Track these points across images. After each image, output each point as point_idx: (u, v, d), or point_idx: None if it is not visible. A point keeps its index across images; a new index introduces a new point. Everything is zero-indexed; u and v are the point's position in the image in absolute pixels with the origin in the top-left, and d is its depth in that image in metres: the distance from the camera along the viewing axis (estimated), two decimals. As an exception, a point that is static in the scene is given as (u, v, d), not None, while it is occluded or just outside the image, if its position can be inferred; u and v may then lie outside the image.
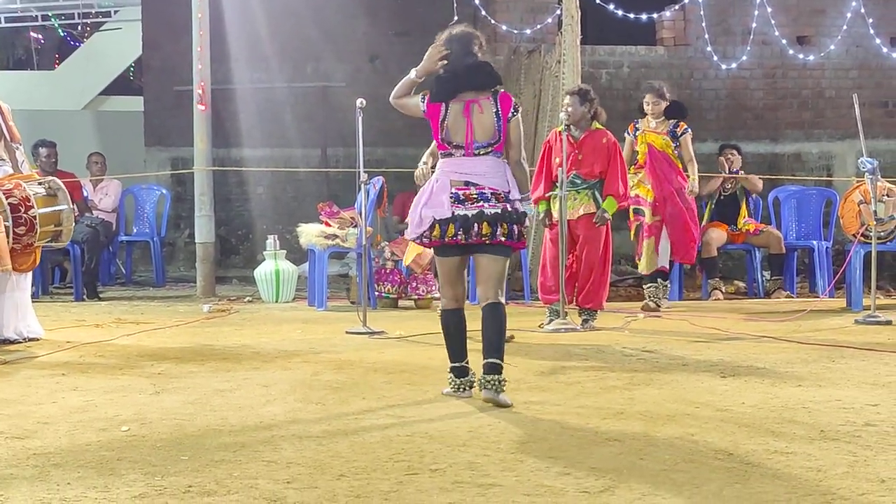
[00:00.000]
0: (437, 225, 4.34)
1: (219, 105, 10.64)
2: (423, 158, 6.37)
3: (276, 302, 8.84)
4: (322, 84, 11.76)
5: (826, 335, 6.48)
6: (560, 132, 6.81)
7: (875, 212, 7.32)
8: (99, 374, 5.04)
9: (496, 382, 4.23)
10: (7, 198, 5.87)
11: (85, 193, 9.95)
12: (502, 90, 4.48)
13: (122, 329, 6.81)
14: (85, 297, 8.97)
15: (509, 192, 4.38)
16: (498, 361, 4.27)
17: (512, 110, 4.41)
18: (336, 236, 8.35)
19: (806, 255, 9.90)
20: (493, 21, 10.96)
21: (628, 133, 8.27)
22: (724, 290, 9.22)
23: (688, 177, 8.16)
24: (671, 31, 11.54)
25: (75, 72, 16.47)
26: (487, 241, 4.32)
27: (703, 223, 9.26)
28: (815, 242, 9.46)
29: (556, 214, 6.80)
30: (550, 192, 6.86)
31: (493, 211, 4.32)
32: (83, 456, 3.38)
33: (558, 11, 9.81)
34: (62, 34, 17.89)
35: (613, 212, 6.89)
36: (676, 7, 11.41)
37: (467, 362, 4.44)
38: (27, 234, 5.93)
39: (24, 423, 3.88)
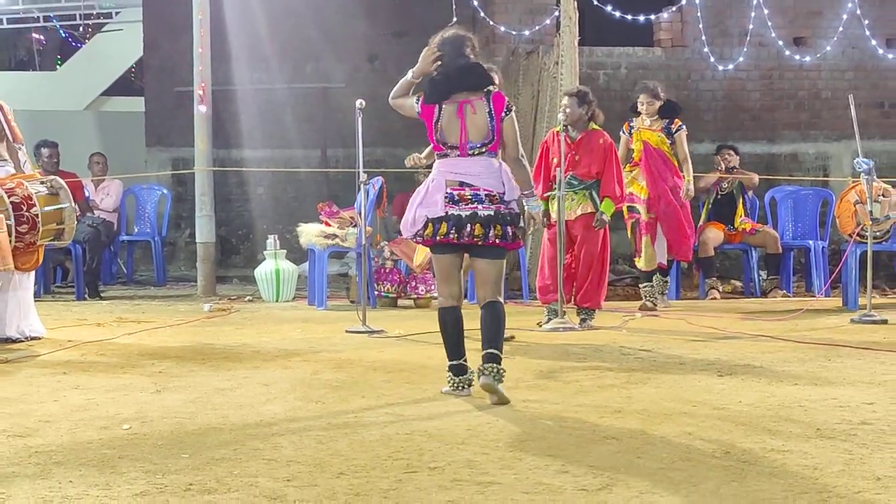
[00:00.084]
0: (430, 223, 4.39)
1: (219, 106, 10.66)
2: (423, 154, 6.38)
3: (277, 301, 8.86)
4: (322, 85, 11.78)
5: (822, 334, 6.50)
6: (557, 132, 6.84)
7: (871, 212, 7.34)
8: (100, 373, 5.06)
9: (495, 371, 4.25)
10: (9, 196, 5.89)
11: (86, 193, 9.97)
12: (495, 90, 4.52)
13: (124, 328, 6.82)
14: (86, 296, 8.99)
15: (504, 194, 4.41)
16: (496, 352, 4.30)
17: (505, 110, 4.44)
18: (336, 236, 8.37)
19: (802, 254, 9.93)
20: (491, 22, 10.98)
21: (623, 132, 8.28)
22: (721, 290, 9.23)
23: (683, 176, 8.19)
24: (668, 32, 11.56)
25: (77, 73, 16.50)
26: (479, 242, 4.35)
27: (700, 223, 9.29)
28: (811, 242, 9.49)
29: (553, 215, 6.83)
30: (548, 193, 6.89)
31: (486, 213, 4.35)
32: (84, 454, 3.39)
33: (556, 13, 9.83)
34: (64, 35, 17.91)
35: (611, 213, 6.92)
36: (674, 8, 11.43)
37: (465, 360, 4.45)
38: (29, 232, 5.94)
39: (25, 422, 3.89)
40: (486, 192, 4.38)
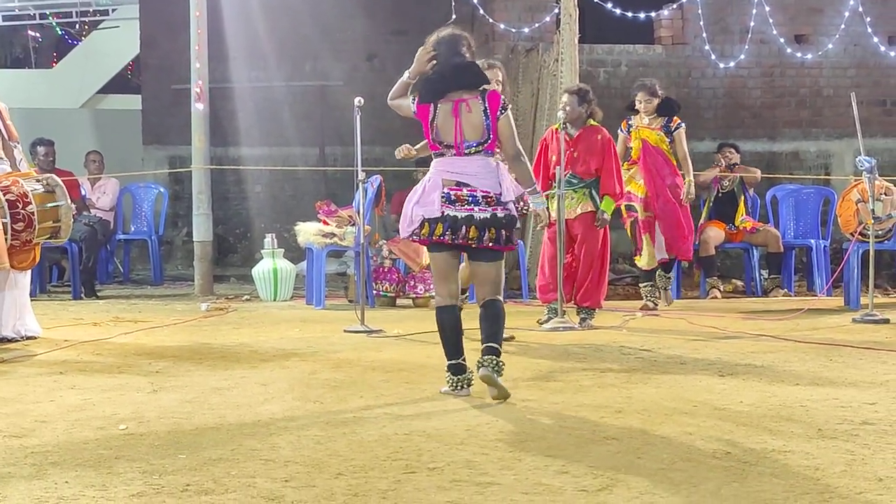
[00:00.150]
0: (426, 223, 4.40)
1: (217, 104, 10.64)
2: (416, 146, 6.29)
3: (274, 300, 8.84)
4: (320, 83, 11.77)
5: (824, 334, 6.49)
6: (557, 129, 6.82)
7: (873, 210, 7.32)
8: (97, 373, 5.04)
9: (494, 363, 4.26)
10: (5, 194, 5.86)
11: (83, 192, 9.95)
12: (490, 89, 4.51)
13: (120, 327, 6.80)
14: (83, 295, 8.97)
15: (501, 195, 4.40)
16: (496, 346, 4.31)
17: (500, 108, 4.44)
18: (334, 235, 8.35)
19: (804, 253, 9.91)
20: (491, 20, 10.97)
21: (621, 130, 8.25)
22: (721, 289, 9.22)
23: (683, 176, 8.16)
24: (669, 29, 11.54)
25: (73, 70, 16.48)
26: (474, 245, 4.36)
27: (701, 221, 9.27)
28: (812, 241, 9.46)
29: (553, 214, 6.80)
30: (548, 192, 6.86)
31: (482, 216, 4.36)
32: (81, 454, 3.38)
33: (556, 10, 9.80)
34: (60, 33, 17.88)
35: (611, 211, 6.90)
36: (674, 6, 11.42)
37: (464, 359, 4.44)
38: (25, 230, 5.92)
39: (21, 422, 3.88)
40: (483, 194, 4.38)
